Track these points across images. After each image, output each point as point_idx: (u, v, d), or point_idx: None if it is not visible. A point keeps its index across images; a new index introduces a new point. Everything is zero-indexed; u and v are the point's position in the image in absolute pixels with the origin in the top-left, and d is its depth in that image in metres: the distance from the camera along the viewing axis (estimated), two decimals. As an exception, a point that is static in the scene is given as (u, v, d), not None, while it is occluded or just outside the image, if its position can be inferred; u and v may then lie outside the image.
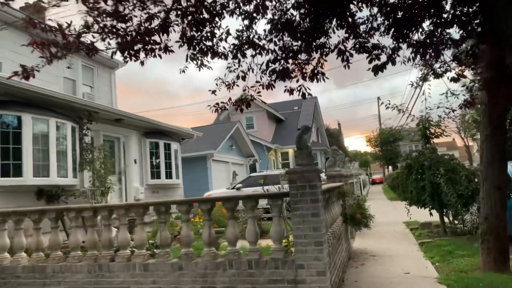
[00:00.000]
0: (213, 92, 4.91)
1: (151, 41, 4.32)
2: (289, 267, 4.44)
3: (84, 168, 9.68)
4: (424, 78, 5.52)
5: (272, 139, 32.08)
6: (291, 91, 4.87)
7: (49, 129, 8.67)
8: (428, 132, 9.79)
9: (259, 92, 4.94)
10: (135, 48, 4.32)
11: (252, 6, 4.77)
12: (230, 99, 5.07)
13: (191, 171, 19.45)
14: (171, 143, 13.41)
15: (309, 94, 4.83)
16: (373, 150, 39.93)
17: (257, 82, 4.90)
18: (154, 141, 12.75)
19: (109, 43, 4.17)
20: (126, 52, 4.31)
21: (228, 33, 4.85)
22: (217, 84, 4.89)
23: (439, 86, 8.97)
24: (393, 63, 4.92)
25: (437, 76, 5.03)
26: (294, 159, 4.44)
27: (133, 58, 4.39)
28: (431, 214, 9.25)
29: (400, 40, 4.83)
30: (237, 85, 4.98)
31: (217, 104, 4.98)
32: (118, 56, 4.47)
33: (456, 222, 9.01)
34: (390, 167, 43.42)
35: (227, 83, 4.93)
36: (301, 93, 4.80)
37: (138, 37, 4.18)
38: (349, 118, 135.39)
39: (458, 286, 5.01)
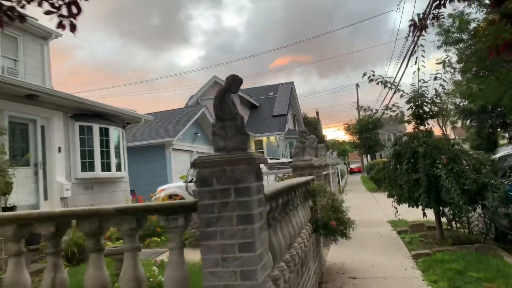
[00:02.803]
0: None
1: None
2: None
3: (-27, 158, 7.22)
4: (438, 4, 3.39)
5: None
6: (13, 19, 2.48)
7: None
8: (421, 111, 7.77)
9: (23, 5, 2.64)
10: None
11: None
12: None
13: (147, 162, 17.08)
14: (110, 127, 10.98)
15: (73, 26, 2.59)
16: (352, 139, 38.16)
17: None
18: (86, 125, 10.31)
19: None
20: None
21: None
22: None
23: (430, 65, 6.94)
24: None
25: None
26: (212, 138, 2.16)
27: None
28: (424, 214, 7.27)
29: None
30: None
31: None
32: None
33: (457, 225, 7.05)
34: (368, 156, 42.05)
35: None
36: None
37: None
38: (328, 107, 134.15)
39: None
